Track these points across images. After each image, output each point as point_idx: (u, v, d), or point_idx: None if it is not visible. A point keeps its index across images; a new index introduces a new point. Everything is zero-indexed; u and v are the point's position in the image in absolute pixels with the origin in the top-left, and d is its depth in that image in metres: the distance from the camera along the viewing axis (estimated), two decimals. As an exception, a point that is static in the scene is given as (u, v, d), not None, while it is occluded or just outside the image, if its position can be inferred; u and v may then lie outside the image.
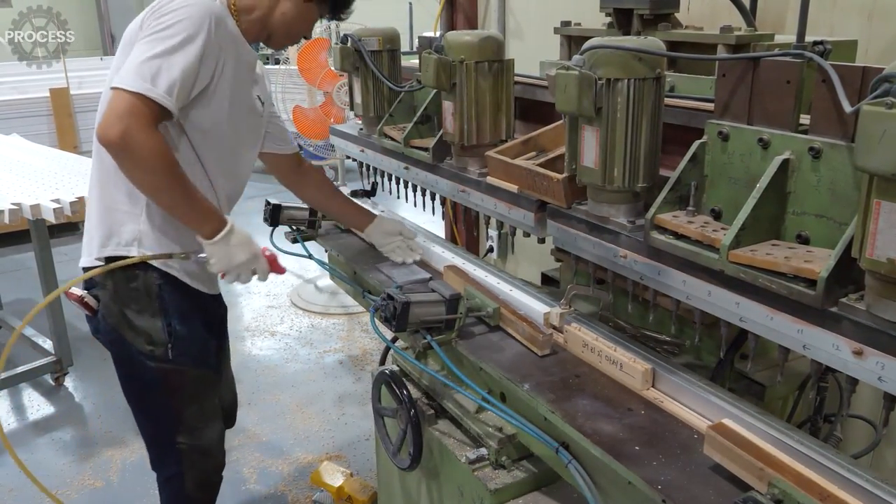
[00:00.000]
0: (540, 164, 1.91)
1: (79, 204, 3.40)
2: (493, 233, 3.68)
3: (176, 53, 1.71)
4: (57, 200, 3.43)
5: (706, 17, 2.48)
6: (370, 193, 2.91)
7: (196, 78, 1.77)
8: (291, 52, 6.33)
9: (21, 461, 1.92)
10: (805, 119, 1.39)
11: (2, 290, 4.87)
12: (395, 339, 2.18)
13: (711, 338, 1.69)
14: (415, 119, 2.44)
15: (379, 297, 1.81)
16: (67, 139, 6.53)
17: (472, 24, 3.71)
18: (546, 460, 1.62)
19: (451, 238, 3.92)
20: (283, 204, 2.68)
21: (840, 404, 1.62)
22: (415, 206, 2.63)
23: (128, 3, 11.49)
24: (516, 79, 2.22)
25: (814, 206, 1.35)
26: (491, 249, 3.81)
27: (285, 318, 4.87)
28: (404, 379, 2.10)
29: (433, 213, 2.65)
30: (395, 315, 1.74)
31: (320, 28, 5.64)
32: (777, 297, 1.30)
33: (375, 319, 1.81)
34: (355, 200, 2.61)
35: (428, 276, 2.22)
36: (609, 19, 2.32)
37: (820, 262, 1.25)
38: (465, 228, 3.95)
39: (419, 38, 2.99)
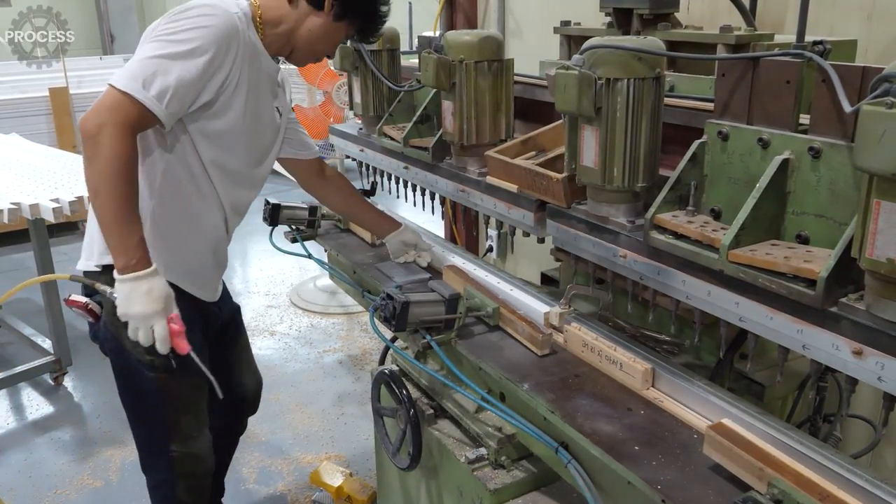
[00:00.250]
0: (539, 164, 1.91)
1: (78, 203, 3.40)
2: (492, 232, 3.68)
3: (177, 61, 1.66)
4: (56, 200, 3.42)
5: (706, 17, 2.48)
6: (370, 193, 2.91)
7: (196, 92, 1.72)
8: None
9: None
10: (805, 119, 1.39)
11: (1, 290, 4.86)
12: (394, 339, 2.18)
13: (711, 338, 1.69)
14: (414, 119, 2.44)
15: (378, 297, 1.81)
16: (67, 139, 6.52)
17: (471, 23, 3.71)
18: (545, 460, 1.62)
19: (451, 238, 3.92)
20: (283, 203, 2.68)
21: (839, 404, 1.62)
22: (414, 205, 2.63)
23: (128, 2, 11.49)
24: (516, 78, 2.22)
25: (813, 205, 1.35)
26: (490, 249, 3.81)
27: (285, 318, 4.87)
28: (404, 379, 2.10)
29: (433, 213, 2.65)
30: (395, 315, 1.74)
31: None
32: (777, 297, 1.30)
33: (375, 319, 1.81)
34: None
35: (427, 275, 2.22)
36: (609, 19, 2.32)
37: (820, 262, 1.25)
38: (464, 228, 3.95)
39: (419, 37, 2.98)
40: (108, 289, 1.74)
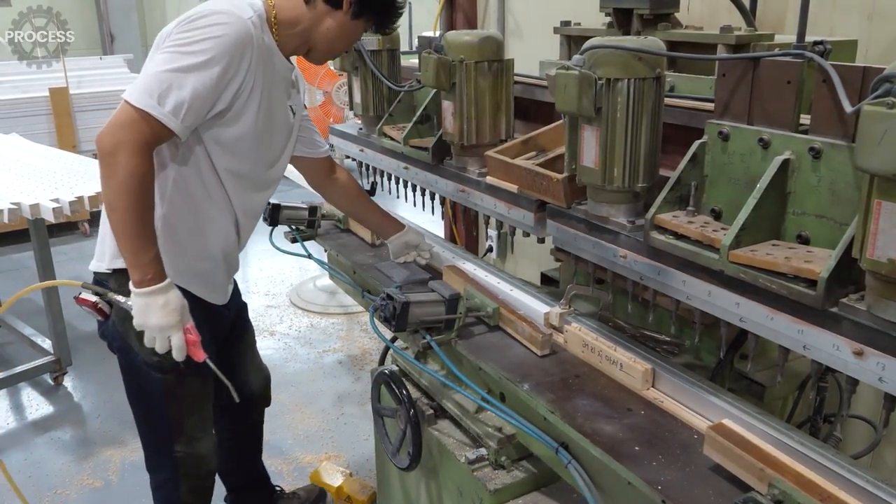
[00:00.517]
0: (540, 164, 1.91)
1: (78, 203, 3.39)
2: (492, 232, 3.68)
3: (192, 73, 1.65)
4: (56, 200, 3.42)
5: (706, 17, 2.48)
6: (369, 193, 2.91)
7: (211, 102, 1.72)
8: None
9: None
10: (805, 119, 1.39)
11: (1, 290, 4.87)
12: (394, 339, 2.18)
13: (711, 338, 1.69)
14: (414, 119, 2.44)
15: (378, 297, 1.81)
16: (67, 138, 6.52)
17: (471, 23, 3.71)
18: (546, 460, 1.62)
19: (451, 238, 3.92)
20: (283, 203, 2.68)
21: (840, 404, 1.62)
22: (414, 205, 2.63)
23: (128, 2, 11.48)
24: (516, 79, 2.22)
25: (814, 206, 1.35)
26: (490, 249, 3.81)
27: (284, 318, 4.87)
28: (404, 379, 2.10)
29: (433, 213, 2.64)
30: (395, 315, 1.74)
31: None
32: (777, 298, 1.30)
33: (375, 319, 1.81)
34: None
35: (428, 275, 2.22)
36: (609, 19, 2.32)
37: (820, 262, 1.25)
38: (464, 228, 3.95)
39: (419, 37, 2.98)
40: (122, 298, 1.76)
